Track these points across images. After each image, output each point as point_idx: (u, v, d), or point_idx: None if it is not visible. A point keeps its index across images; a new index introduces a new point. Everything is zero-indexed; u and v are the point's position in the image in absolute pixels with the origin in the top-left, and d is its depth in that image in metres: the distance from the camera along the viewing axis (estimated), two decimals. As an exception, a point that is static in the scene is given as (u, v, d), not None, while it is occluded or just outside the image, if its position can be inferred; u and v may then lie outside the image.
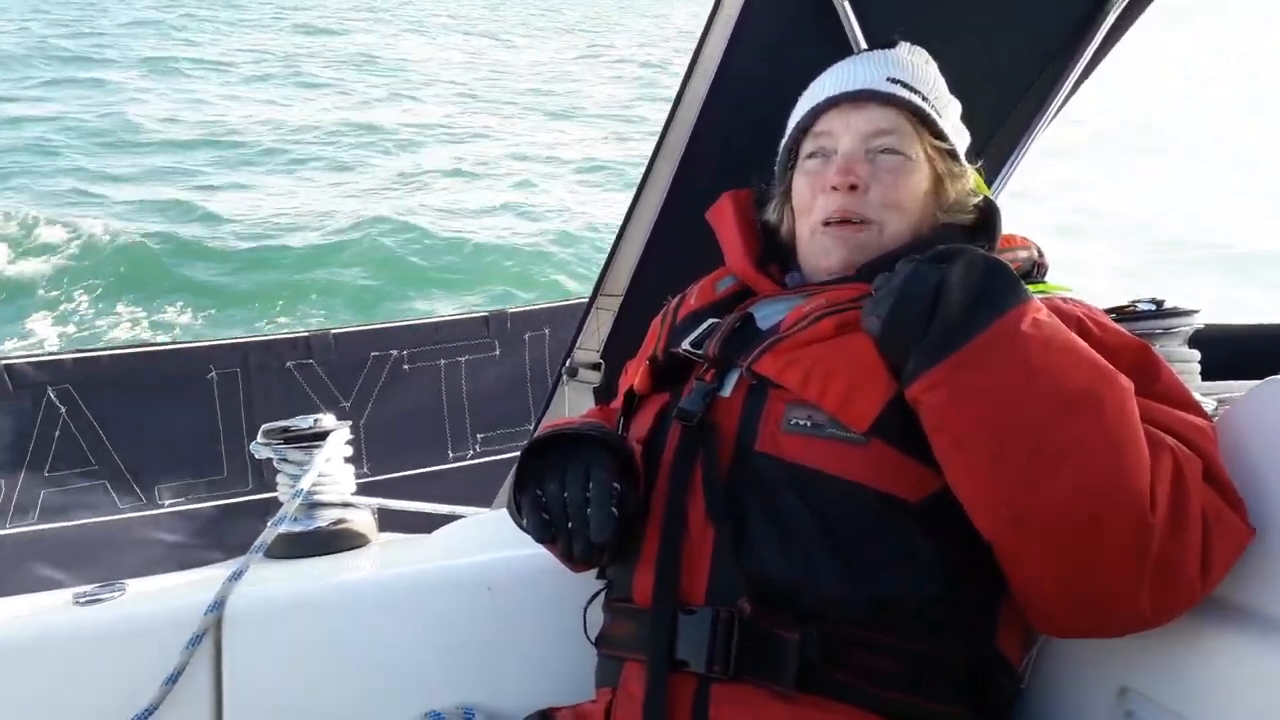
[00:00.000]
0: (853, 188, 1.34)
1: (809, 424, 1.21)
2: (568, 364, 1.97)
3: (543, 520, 1.22)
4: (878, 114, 1.38)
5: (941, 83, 1.45)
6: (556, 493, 1.22)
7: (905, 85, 1.39)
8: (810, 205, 1.40)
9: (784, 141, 1.49)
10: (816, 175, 1.40)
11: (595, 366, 1.92)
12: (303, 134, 16.35)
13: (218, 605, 1.50)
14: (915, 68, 1.43)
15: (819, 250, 1.39)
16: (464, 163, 15.05)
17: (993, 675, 1.21)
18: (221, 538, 3.50)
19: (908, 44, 1.48)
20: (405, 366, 3.92)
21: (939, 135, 1.40)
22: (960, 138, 1.45)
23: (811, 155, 1.42)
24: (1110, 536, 1.04)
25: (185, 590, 1.58)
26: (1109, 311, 1.61)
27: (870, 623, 1.15)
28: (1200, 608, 1.09)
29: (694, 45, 1.72)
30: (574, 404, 1.96)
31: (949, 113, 1.44)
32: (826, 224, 1.37)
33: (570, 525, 1.21)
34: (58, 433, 3.49)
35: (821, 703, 1.14)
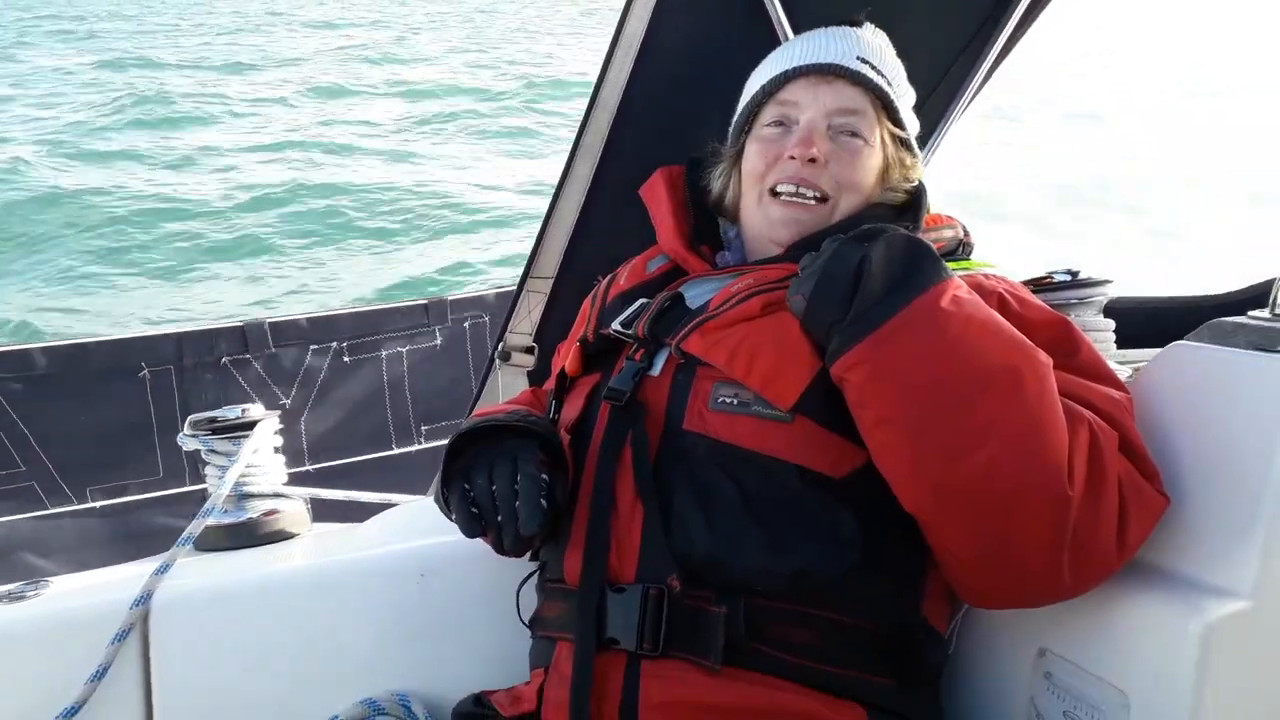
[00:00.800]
0: (812, 160, 1.34)
1: (735, 401, 1.22)
2: (500, 348, 1.97)
3: (471, 515, 1.22)
4: (846, 92, 1.38)
5: (902, 69, 1.46)
6: (484, 487, 1.22)
7: (873, 68, 1.39)
8: (763, 173, 1.39)
9: (742, 104, 1.47)
10: (774, 143, 1.39)
11: (528, 350, 1.92)
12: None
13: (144, 599, 1.47)
14: (881, 51, 1.44)
15: (767, 219, 1.39)
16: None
17: (919, 643, 1.23)
18: (155, 534, 3.43)
19: (871, 25, 1.48)
20: (345, 358, 3.87)
21: (897, 123, 1.41)
22: (914, 126, 1.47)
23: (773, 123, 1.41)
24: (1029, 509, 1.07)
25: (111, 586, 1.55)
26: (1026, 283, 1.64)
27: (794, 595, 1.16)
28: (1120, 570, 1.13)
29: (614, 22, 1.71)
30: (508, 388, 1.95)
31: (906, 101, 1.46)
32: (775, 193, 1.37)
33: (500, 519, 1.21)
34: None
35: (749, 675, 1.15)
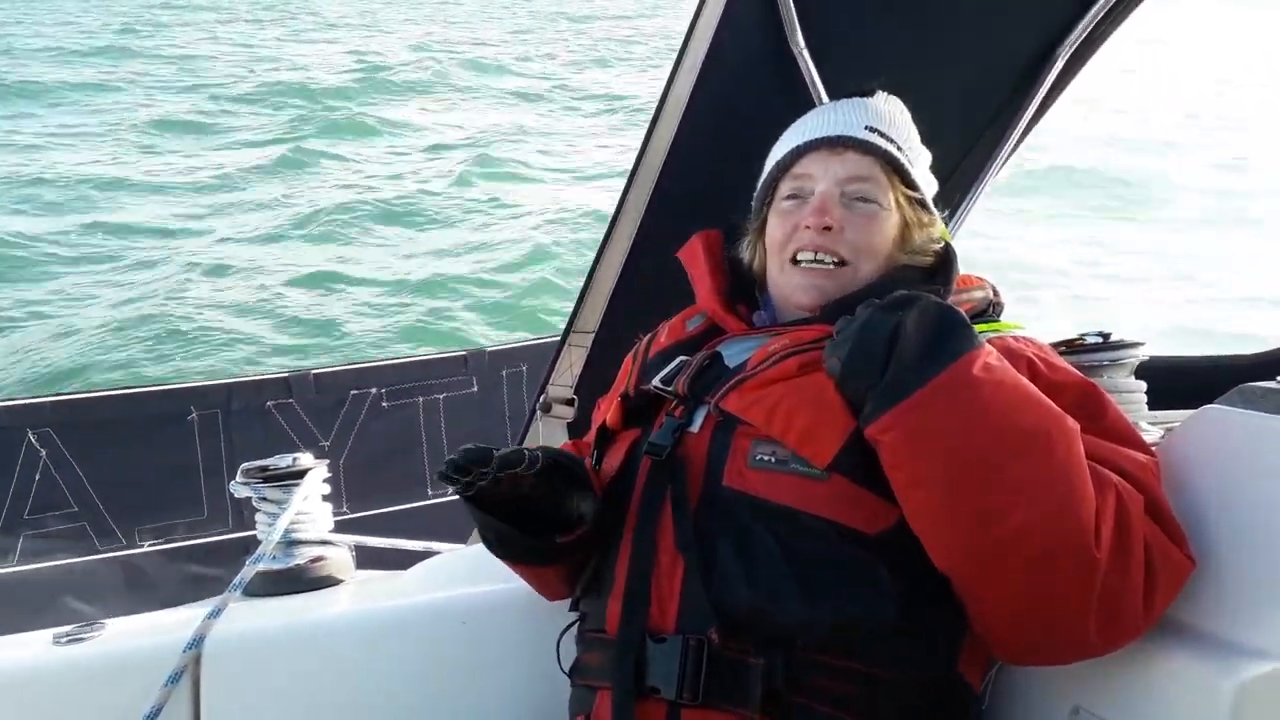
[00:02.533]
0: (827, 228, 1.40)
1: (773, 459, 1.25)
2: (541, 399, 2.01)
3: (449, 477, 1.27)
4: (855, 161, 1.43)
5: (914, 133, 1.51)
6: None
7: (882, 134, 1.45)
8: (783, 243, 1.45)
9: (763, 179, 1.54)
10: (790, 215, 1.45)
11: (569, 402, 1.96)
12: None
13: (196, 643, 1.51)
14: (892, 117, 1.49)
15: (790, 286, 1.44)
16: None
17: (954, 698, 1.25)
18: (202, 577, 3.49)
19: (884, 93, 1.54)
20: (384, 404, 3.94)
21: (910, 185, 1.46)
22: (930, 186, 1.52)
23: (789, 196, 1.47)
24: (1057, 572, 1.10)
25: (164, 628, 1.59)
26: (1057, 345, 1.67)
27: (832, 648, 1.19)
28: (1154, 630, 1.15)
29: (661, 88, 1.78)
30: (548, 439, 2.00)
31: (920, 162, 1.51)
32: (796, 261, 1.43)
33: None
34: (38, 476, 3.49)
35: None
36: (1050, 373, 1.26)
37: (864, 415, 1.18)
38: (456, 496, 1.34)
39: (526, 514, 1.34)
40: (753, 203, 1.56)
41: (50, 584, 3.40)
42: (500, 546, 1.42)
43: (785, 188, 1.48)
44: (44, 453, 3.49)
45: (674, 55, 1.77)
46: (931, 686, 1.23)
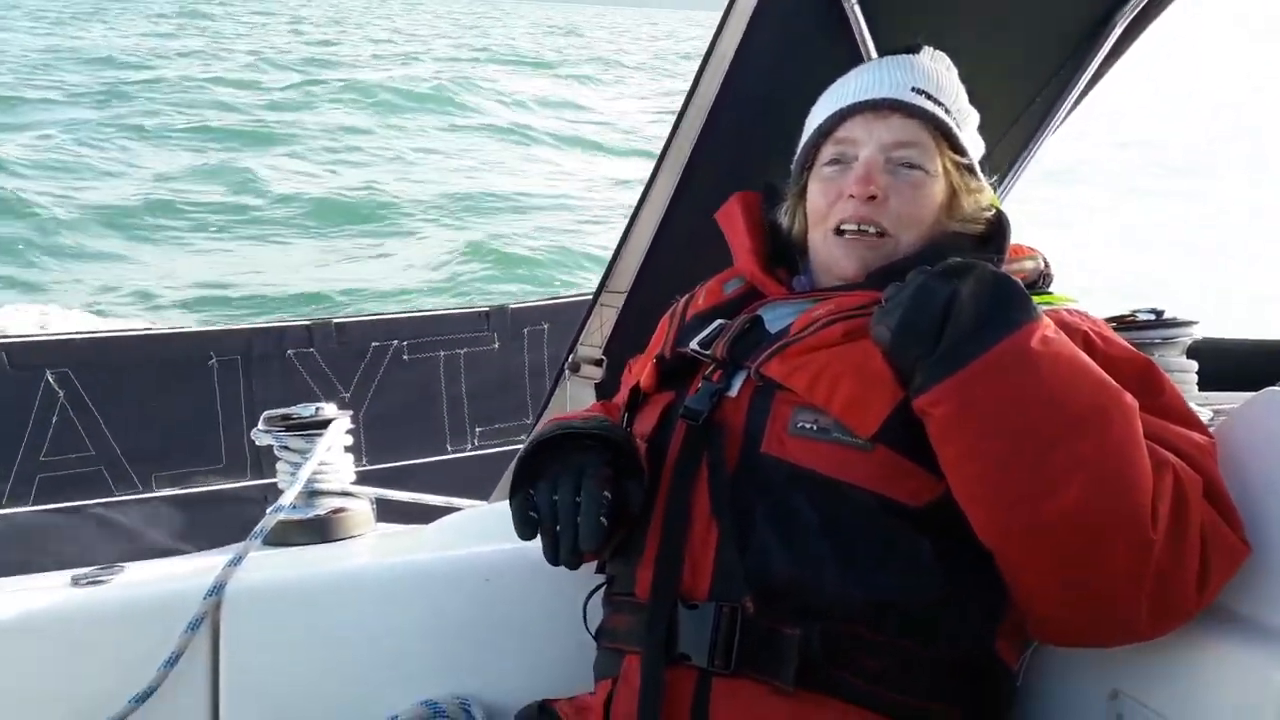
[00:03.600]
0: (871, 197, 1.35)
1: (815, 427, 1.22)
2: (570, 359, 1.99)
3: (528, 519, 1.25)
4: (901, 125, 1.38)
5: (963, 93, 1.45)
6: (546, 495, 1.25)
7: (929, 96, 1.39)
8: (825, 212, 1.40)
9: (803, 143, 1.49)
10: (833, 182, 1.40)
11: (597, 363, 1.93)
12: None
13: (217, 590, 1.50)
14: (939, 77, 1.43)
15: (832, 256, 1.40)
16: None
17: (990, 676, 1.22)
18: (218, 524, 3.50)
19: (930, 49, 1.48)
20: (405, 357, 3.93)
21: (958, 149, 1.40)
22: (977, 149, 1.46)
23: (831, 162, 1.42)
24: (1111, 552, 1.06)
25: (185, 574, 1.58)
26: (1109, 320, 1.63)
27: (870, 622, 1.16)
28: (1201, 616, 1.11)
29: (705, 46, 1.73)
30: (575, 399, 1.97)
31: (968, 125, 1.45)
32: (840, 231, 1.38)
33: (557, 528, 1.23)
34: (55, 416, 3.49)
35: (821, 699, 1.15)
36: (1107, 347, 1.22)
37: (915, 386, 1.14)
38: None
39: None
40: (792, 167, 1.51)
41: (67, 526, 3.42)
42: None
43: (827, 152, 1.43)
44: (62, 394, 3.48)
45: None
46: (967, 664, 1.20)
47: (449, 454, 3.93)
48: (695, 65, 1.77)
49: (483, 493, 2.25)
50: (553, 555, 1.25)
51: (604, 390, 1.89)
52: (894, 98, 1.39)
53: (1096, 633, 1.16)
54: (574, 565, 1.26)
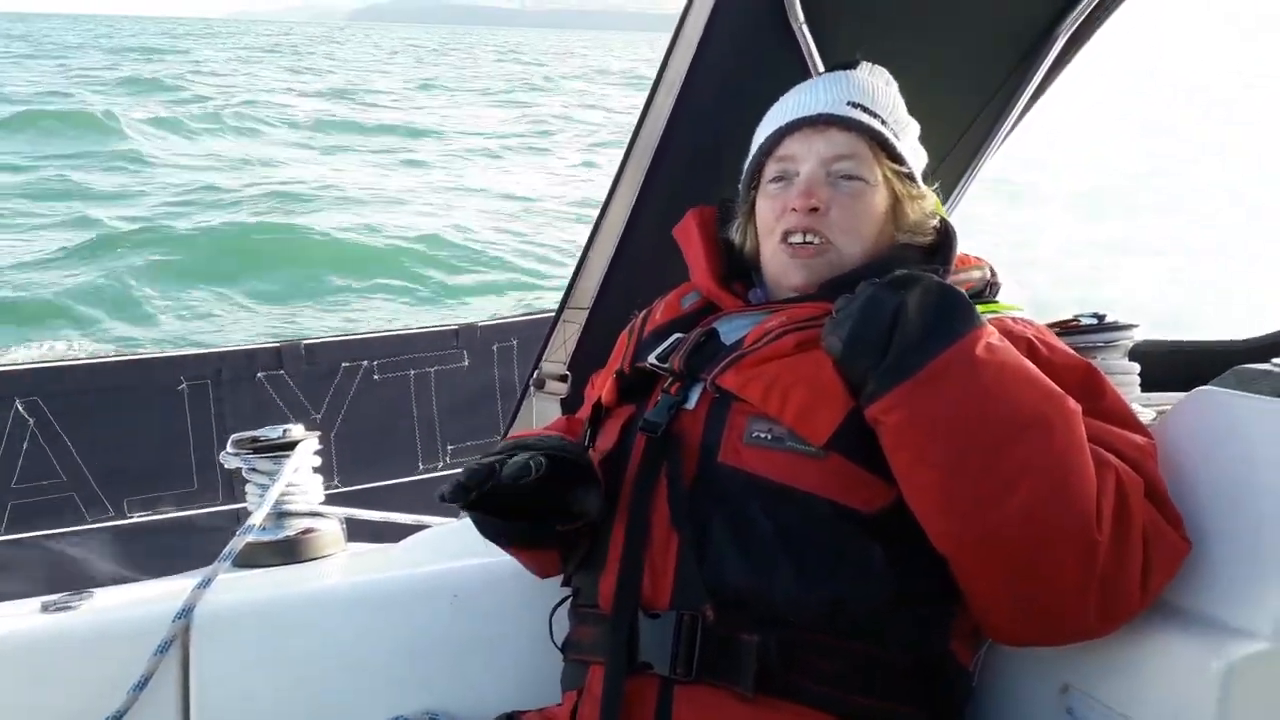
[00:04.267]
0: (814, 210, 1.39)
1: (769, 437, 1.25)
2: (535, 375, 2.01)
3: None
4: (838, 138, 1.42)
5: (900, 104, 1.50)
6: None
7: (865, 109, 1.43)
8: (773, 226, 1.44)
9: (747, 163, 1.53)
10: (778, 197, 1.44)
11: (562, 378, 1.96)
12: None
13: (186, 612, 1.51)
14: (875, 90, 1.47)
15: (781, 268, 1.44)
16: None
17: (945, 676, 1.26)
18: (191, 548, 3.48)
19: (868, 64, 1.52)
20: (375, 377, 3.93)
21: (896, 159, 1.44)
22: (918, 159, 1.50)
23: (775, 179, 1.46)
24: (1058, 554, 1.10)
25: (154, 598, 1.59)
26: (1052, 326, 1.67)
27: (825, 627, 1.19)
28: (1144, 610, 1.15)
29: (657, 66, 1.76)
30: (541, 415, 1.99)
31: (907, 135, 1.49)
32: (786, 241, 1.42)
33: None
34: (24, 444, 3.47)
35: (780, 704, 1.18)
36: (1050, 354, 1.26)
37: (865, 395, 1.17)
38: (448, 471, 1.33)
39: (526, 510, 1.32)
40: (739, 186, 1.55)
41: (37, 553, 3.39)
42: (496, 536, 1.42)
43: (771, 170, 1.47)
44: (31, 421, 3.46)
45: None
46: (923, 665, 1.23)
47: (421, 473, 3.93)
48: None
49: (454, 510, 2.26)
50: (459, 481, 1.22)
51: (569, 405, 1.91)
52: (830, 113, 1.43)
53: (1047, 633, 1.19)
54: (464, 499, 1.23)
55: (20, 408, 3.44)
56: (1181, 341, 2.24)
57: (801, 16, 1.73)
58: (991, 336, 1.16)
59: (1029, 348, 1.25)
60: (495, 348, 4.08)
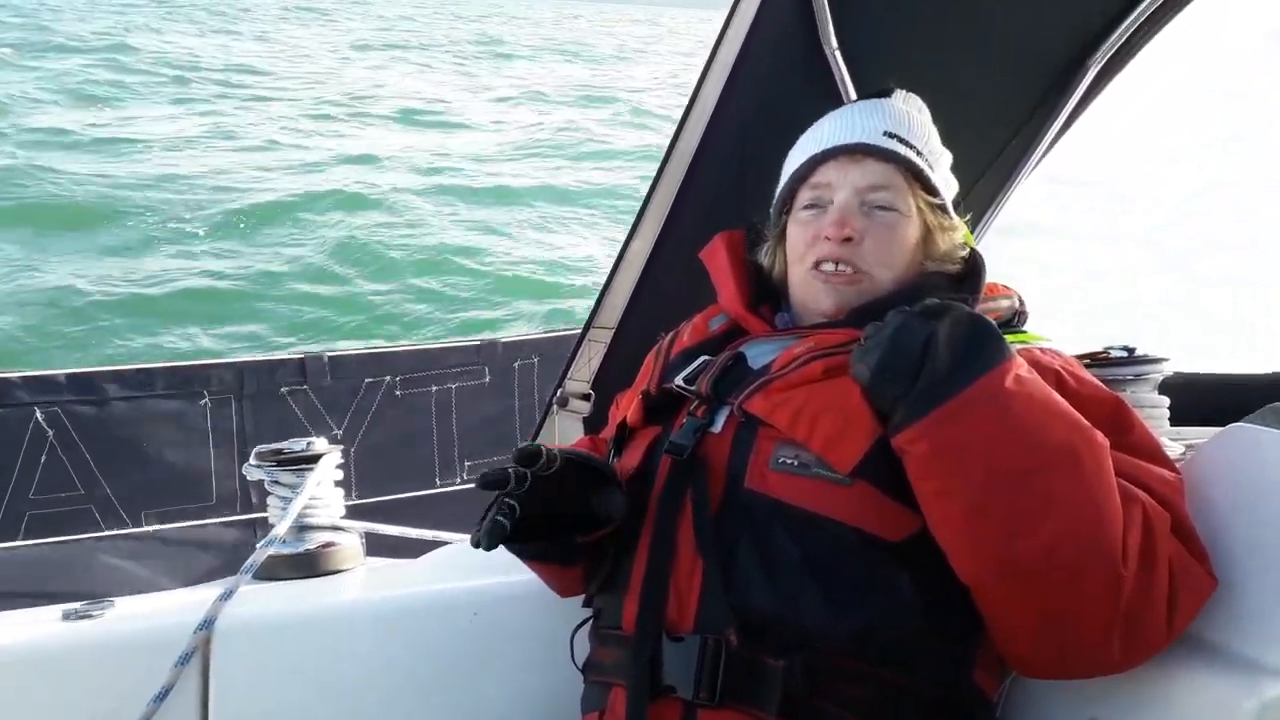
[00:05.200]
0: (847, 239, 1.39)
1: (796, 463, 1.25)
2: (558, 393, 2.01)
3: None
4: (874, 169, 1.42)
5: (934, 135, 1.50)
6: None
7: (901, 140, 1.43)
8: (803, 251, 1.44)
9: (780, 188, 1.53)
10: (811, 224, 1.44)
11: (585, 397, 1.96)
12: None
13: (207, 624, 1.52)
14: (911, 120, 1.47)
15: (812, 294, 1.44)
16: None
17: (969, 707, 1.25)
18: (210, 559, 3.49)
19: (903, 92, 1.52)
20: (398, 393, 3.94)
21: (930, 190, 1.44)
22: (950, 189, 1.50)
23: (808, 205, 1.46)
24: (1084, 588, 1.09)
25: (175, 609, 1.60)
26: (1081, 358, 1.66)
27: (851, 653, 1.19)
28: (1174, 646, 1.14)
29: (692, 87, 1.78)
30: (564, 433, 2.00)
31: (941, 165, 1.49)
32: (818, 268, 1.42)
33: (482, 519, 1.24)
34: (44, 455, 3.48)
35: None
36: (1078, 386, 1.26)
37: (893, 424, 1.17)
38: (466, 486, 1.34)
39: (552, 516, 1.32)
40: (771, 210, 1.55)
41: (57, 561, 3.40)
42: (520, 550, 1.42)
43: (804, 197, 1.47)
44: (51, 433, 3.48)
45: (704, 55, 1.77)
46: (947, 695, 1.23)
47: (440, 488, 3.93)
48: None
49: (472, 526, 2.26)
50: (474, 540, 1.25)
51: (592, 424, 1.92)
52: (866, 142, 1.43)
53: (1071, 666, 1.18)
54: (488, 548, 1.24)
55: (40, 417, 3.46)
56: (1212, 374, 2.22)
57: (834, 42, 1.75)
58: (1021, 369, 1.16)
59: (1057, 380, 1.25)
60: (517, 365, 4.10)
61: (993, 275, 1.47)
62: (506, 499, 1.22)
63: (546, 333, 4.36)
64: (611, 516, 1.31)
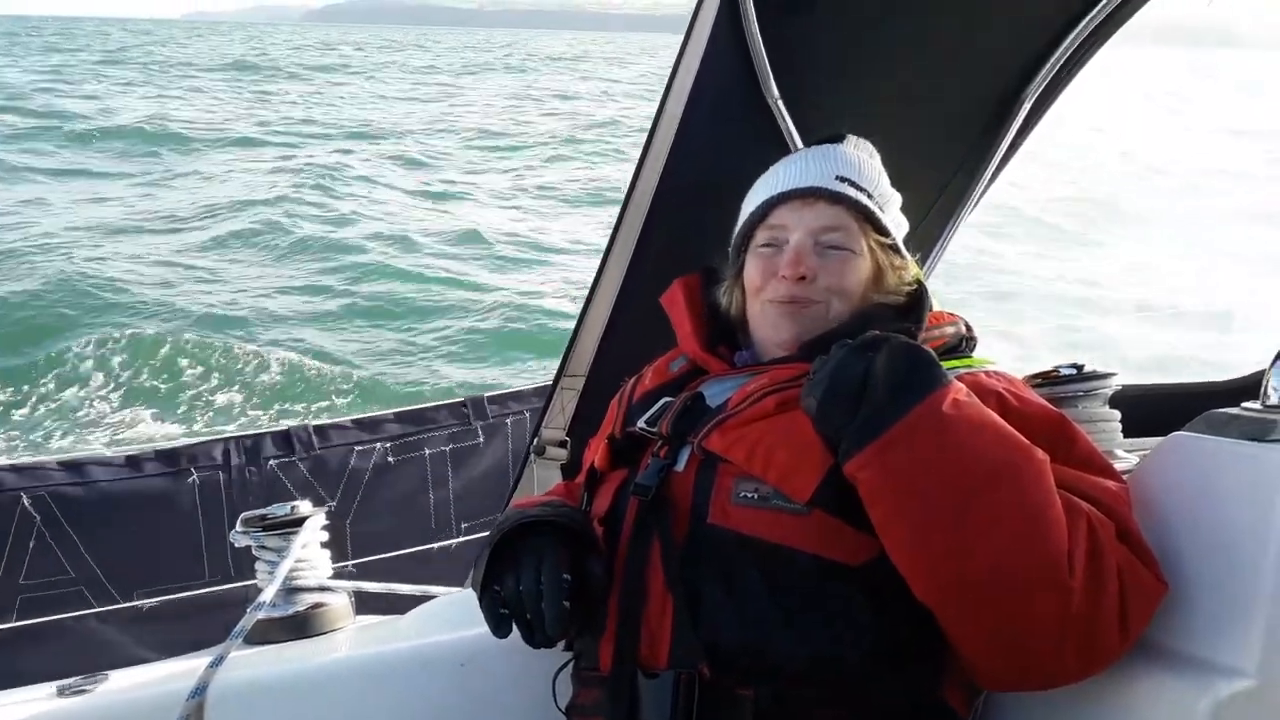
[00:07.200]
0: (801, 278, 1.45)
1: (755, 496, 1.29)
2: (535, 442, 2.06)
3: (500, 617, 1.33)
4: (827, 211, 1.48)
5: (884, 178, 1.56)
6: (513, 588, 1.32)
7: (852, 184, 1.50)
8: (760, 285, 1.50)
9: (738, 229, 1.59)
10: (768, 260, 1.49)
11: (561, 444, 2.00)
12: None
13: (199, 691, 1.54)
14: (862, 164, 1.54)
15: (769, 324, 1.49)
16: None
17: None
18: (202, 628, 3.47)
19: (854, 138, 1.59)
20: (390, 459, 3.94)
21: (882, 231, 1.50)
22: (900, 229, 1.56)
23: (765, 245, 1.51)
24: (1033, 601, 1.13)
25: (167, 678, 1.62)
26: (1033, 377, 1.72)
27: (818, 678, 1.22)
28: (1132, 652, 1.18)
29: (642, 141, 1.85)
30: (543, 480, 2.04)
31: (891, 207, 1.55)
32: (774, 303, 1.47)
33: (528, 617, 1.31)
34: (32, 542, 3.47)
35: None
36: (1020, 405, 1.30)
37: (841, 453, 1.21)
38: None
39: None
40: (729, 251, 1.61)
41: (50, 638, 3.38)
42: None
43: (761, 237, 1.53)
44: (38, 518, 3.48)
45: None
46: (918, 714, 1.26)
47: (426, 544, 3.92)
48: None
49: (462, 579, 2.29)
50: (530, 640, 1.33)
51: (569, 471, 1.95)
52: (819, 186, 1.49)
53: (1029, 678, 1.22)
54: (551, 644, 1.33)
55: (27, 503, 3.45)
56: (1161, 385, 2.28)
57: (776, 93, 1.82)
58: (959, 393, 1.20)
59: (999, 401, 1.29)
60: (509, 421, 4.11)
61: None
62: (564, 576, 1.32)
63: (534, 385, 4.38)
64: (598, 588, 1.35)
